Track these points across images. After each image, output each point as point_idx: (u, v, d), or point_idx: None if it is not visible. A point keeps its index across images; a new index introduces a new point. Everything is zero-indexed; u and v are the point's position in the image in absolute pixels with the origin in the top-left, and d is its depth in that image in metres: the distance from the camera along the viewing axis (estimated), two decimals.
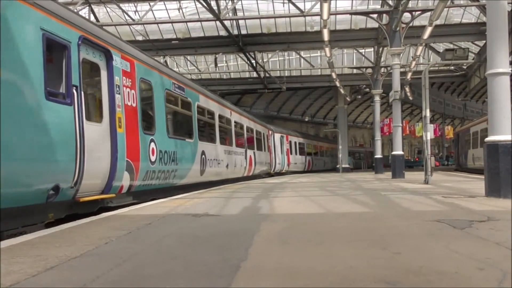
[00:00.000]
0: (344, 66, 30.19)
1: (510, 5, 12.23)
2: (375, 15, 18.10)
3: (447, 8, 19.66)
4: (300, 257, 2.91)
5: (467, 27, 22.51)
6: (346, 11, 20.71)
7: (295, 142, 29.25)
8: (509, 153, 6.28)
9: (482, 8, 18.27)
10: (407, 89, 26.44)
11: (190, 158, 10.58)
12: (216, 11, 18.02)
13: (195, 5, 20.94)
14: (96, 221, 5.08)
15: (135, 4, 19.59)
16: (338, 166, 30.93)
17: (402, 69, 19.62)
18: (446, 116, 51.99)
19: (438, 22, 16.33)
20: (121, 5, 18.41)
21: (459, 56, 16.05)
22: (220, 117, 13.85)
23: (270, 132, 23.43)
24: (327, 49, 18.31)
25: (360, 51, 26.92)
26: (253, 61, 26.17)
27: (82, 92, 5.99)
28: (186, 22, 22.46)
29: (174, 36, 23.77)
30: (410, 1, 16.63)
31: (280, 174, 24.90)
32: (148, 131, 8.20)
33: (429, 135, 11.65)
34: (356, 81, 30.70)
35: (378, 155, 24.05)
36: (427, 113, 11.41)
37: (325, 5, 13.18)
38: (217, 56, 26.91)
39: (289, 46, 24.41)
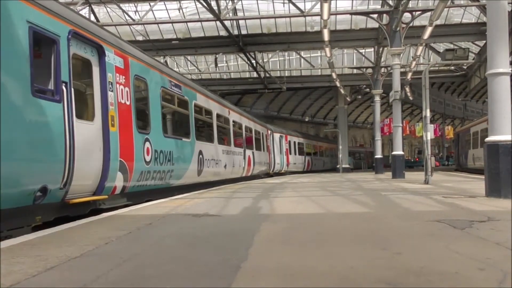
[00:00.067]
0: (344, 66, 30.17)
1: (510, 5, 12.21)
2: (375, 15, 18.11)
3: (447, 8, 19.65)
4: (301, 258, 2.91)
5: (467, 27, 22.52)
6: (346, 11, 20.71)
7: (295, 142, 29.22)
8: (509, 153, 6.28)
9: (482, 8, 18.27)
10: (407, 89, 26.44)
11: (187, 158, 10.32)
12: (216, 11, 18.02)
13: (195, 5, 20.94)
14: (96, 221, 5.07)
15: (135, 4, 19.60)
16: (338, 166, 30.94)
17: (402, 69, 19.61)
18: (446, 116, 52.02)
19: (438, 22, 16.33)
20: (121, 5, 18.39)
21: (459, 56, 16.09)
22: (218, 116, 13.59)
23: (269, 132, 23.35)
24: (327, 49, 18.30)
25: (360, 51, 26.91)
26: (253, 61, 26.16)
27: (72, 89, 5.75)
28: (186, 22, 22.46)
29: (174, 36, 23.77)
30: (410, 1, 16.62)
31: (279, 174, 24.84)
32: (142, 130, 7.95)
33: (429, 135, 11.64)
34: (356, 81, 30.72)
35: (378, 155, 24.05)
36: (427, 113, 11.40)
37: (325, 5, 13.17)
38: (217, 56, 26.90)
39: (289, 46, 24.41)
